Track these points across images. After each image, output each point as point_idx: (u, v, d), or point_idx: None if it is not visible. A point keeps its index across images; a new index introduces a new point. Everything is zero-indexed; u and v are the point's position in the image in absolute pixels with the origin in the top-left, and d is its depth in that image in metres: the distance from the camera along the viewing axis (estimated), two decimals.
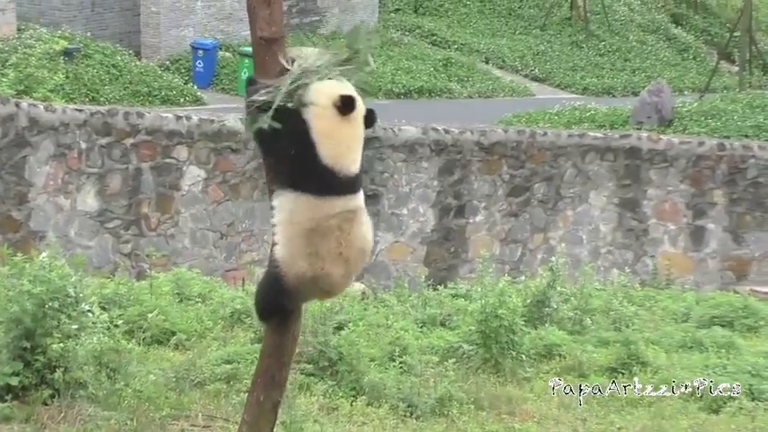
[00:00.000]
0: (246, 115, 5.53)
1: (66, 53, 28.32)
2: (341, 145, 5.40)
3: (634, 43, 41.62)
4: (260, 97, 5.44)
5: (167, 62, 33.45)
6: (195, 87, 31.84)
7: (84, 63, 29.55)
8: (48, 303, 7.58)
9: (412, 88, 34.22)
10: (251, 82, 5.53)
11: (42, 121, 15.52)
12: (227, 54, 34.09)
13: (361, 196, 5.55)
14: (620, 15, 43.21)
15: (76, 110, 16.02)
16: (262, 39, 5.51)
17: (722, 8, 46.15)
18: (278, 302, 5.57)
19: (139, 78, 30.26)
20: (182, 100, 30.38)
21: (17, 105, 15.57)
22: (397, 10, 41.10)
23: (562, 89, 37.33)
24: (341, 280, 5.57)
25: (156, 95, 30.07)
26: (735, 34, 36.34)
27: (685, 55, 42.19)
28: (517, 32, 41.27)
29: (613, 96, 36.27)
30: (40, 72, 24.39)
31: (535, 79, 37.99)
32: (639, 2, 45.12)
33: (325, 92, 5.39)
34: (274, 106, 5.38)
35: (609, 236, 18.52)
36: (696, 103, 28.38)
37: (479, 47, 39.30)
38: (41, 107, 15.81)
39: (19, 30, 30.83)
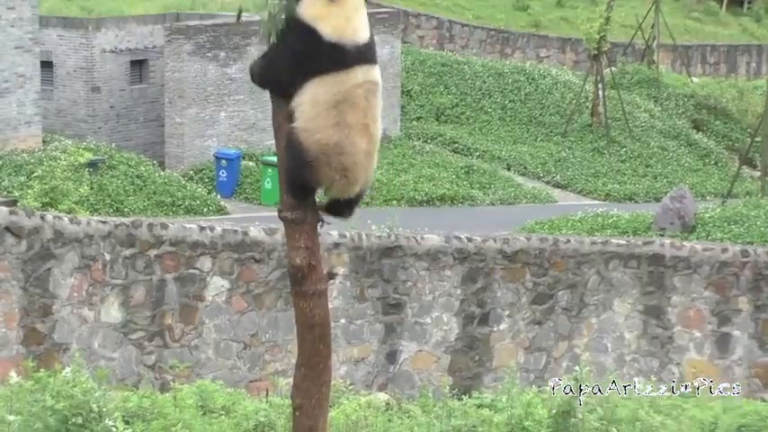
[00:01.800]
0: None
1: (91, 164, 28.60)
2: (337, 19, 5.71)
3: (655, 149, 41.75)
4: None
5: (191, 172, 33.72)
6: (219, 197, 32.05)
7: (109, 174, 29.81)
8: (71, 419, 7.58)
9: (434, 196, 34.35)
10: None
11: (67, 233, 15.61)
12: (251, 163, 34.35)
13: (378, 71, 5.89)
14: (641, 121, 43.40)
15: (101, 222, 16.11)
16: None
17: (742, 113, 46.33)
18: (301, 176, 5.76)
19: (163, 188, 30.49)
20: (205, 209, 30.55)
21: (42, 218, 15.67)
22: (419, 118, 41.42)
23: (584, 195, 37.39)
24: (364, 159, 5.79)
25: (179, 205, 30.26)
26: (756, 139, 36.42)
27: (707, 160, 42.29)
28: (538, 139, 41.49)
29: (636, 202, 36.29)
30: (64, 184, 24.61)
31: (557, 186, 38.07)
32: (660, 108, 45.35)
33: None
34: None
35: (634, 343, 18.41)
36: (719, 209, 28.35)
37: (501, 154, 39.50)
38: (66, 219, 15.90)
39: (44, 142, 31.19)
